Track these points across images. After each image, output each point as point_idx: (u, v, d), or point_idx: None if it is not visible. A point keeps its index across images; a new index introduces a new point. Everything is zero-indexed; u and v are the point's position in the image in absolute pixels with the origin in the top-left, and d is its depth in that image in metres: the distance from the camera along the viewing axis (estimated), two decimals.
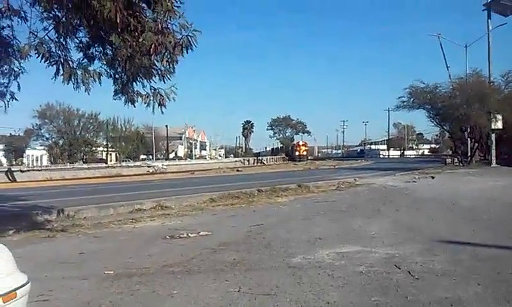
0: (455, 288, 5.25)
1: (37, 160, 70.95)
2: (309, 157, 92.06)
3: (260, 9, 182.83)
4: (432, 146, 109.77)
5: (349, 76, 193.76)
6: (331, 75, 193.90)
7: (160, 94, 8.05)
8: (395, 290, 5.24)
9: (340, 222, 10.48)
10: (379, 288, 5.31)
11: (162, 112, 8.17)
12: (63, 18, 7.48)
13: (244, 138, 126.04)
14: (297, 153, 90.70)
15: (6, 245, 3.66)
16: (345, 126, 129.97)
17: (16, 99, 8.61)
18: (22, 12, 7.93)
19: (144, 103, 8.15)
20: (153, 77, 8.09)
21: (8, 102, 8.56)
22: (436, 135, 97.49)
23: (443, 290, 5.18)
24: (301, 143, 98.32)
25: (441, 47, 43.21)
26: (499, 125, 36.48)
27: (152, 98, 8.07)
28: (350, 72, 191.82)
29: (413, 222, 10.21)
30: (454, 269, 6.05)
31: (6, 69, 8.50)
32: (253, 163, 71.49)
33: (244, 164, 66.90)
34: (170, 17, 7.31)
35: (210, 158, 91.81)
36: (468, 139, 40.50)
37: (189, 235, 9.36)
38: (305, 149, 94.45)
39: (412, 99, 40.31)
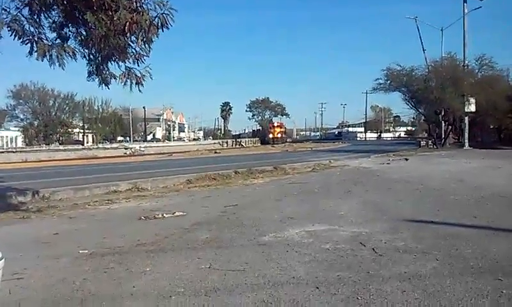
0: (414, 263, 5.55)
1: (11, 142, 69.69)
2: (287, 140, 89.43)
3: None
4: (409, 128, 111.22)
5: (328, 58, 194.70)
6: (311, 57, 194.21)
7: (136, 74, 8.10)
8: (358, 265, 5.51)
9: (311, 203, 10.75)
10: (343, 264, 5.58)
11: (140, 91, 8.20)
12: None
13: (223, 120, 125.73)
14: (270, 136, 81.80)
15: None
16: (323, 109, 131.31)
17: None
18: None
19: (121, 82, 8.18)
20: (129, 58, 8.14)
21: None
22: (413, 118, 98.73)
23: (403, 265, 5.47)
24: (275, 124, 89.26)
25: (418, 30, 43.86)
26: (472, 108, 37.28)
27: (128, 77, 8.12)
28: (329, 55, 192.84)
29: (382, 203, 10.54)
30: (415, 246, 6.35)
31: None
32: (232, 145, 71.28)
33: (222, 146, 66.91)
34: None
35: (189, 140, 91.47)
36: (442, 121, 41.31)
37: (164, 215, 9.52)
38: (280, 131, 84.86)
39: (388, 81, 40.95)
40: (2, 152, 39.47)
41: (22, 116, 70.45)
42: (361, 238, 6.90)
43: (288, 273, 5.28)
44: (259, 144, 77.26)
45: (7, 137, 72.31)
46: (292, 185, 14.50)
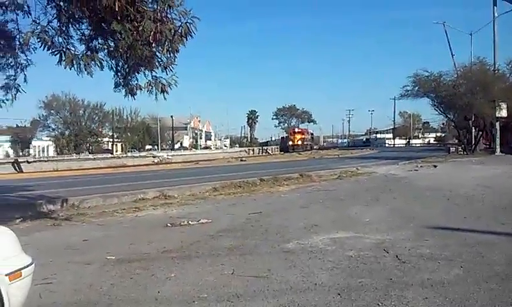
0: (438, 270, 5.52)
1: (43, 151, 71.58)
2: (314, 147, 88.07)
3: None
4: (438, 134, 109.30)
5: (355, 65, 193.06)
6: (337, 64, 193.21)
7: (162, 83, 8.27)
8: (381, 272, 5.51)
9: (337, 210, 10.74)
10: (365, 271, 5.59)
11: (165, 99, 8.37)
12: (65, 7, 7.71)
13: (249, 128, 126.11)
14: (290, 143, 75.76)
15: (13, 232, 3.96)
16: (351, 115, 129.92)
17: (23, 91, 8.80)
18: (25, 6, 8.19)
19: (147, 91, 8.36)
20: (156, 68, 8.31)
21: (15, 94, 8.77)
22: (442, 124, 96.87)
23: (426, 272, 5.45)
24: (296, 130, 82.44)
25: (447, 35, 43.14)
26: (503, 113, 36.48)
27: (153, 86, 8.29)
28: (356, 61, 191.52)
29: (409, 210, 10.45)
30: (440, 253, 6.31)
31: (11, 62, 8.76)
32: (258, 153, 70.95)
33: (248, 153, 66.68)
34: (170, 6, 7.53)
35: (215, 148, 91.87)
36: (473, 127, 40.48)
37: (190, 222, 9.65)
38: (301, 138, 77.99)
39: (416, 87, 40.34)
40: (35, 161, 40.32)
41: (53, 126, 72.33)
42: (385, 246, 6.88)
43: (311, 279, 5.32)
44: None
45: (39, 146, 74.30)
46: (317, 193, 14.48)
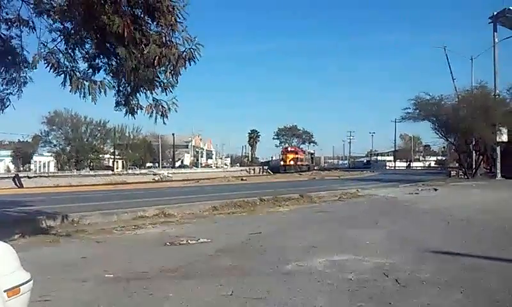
0: (438, 295, 5.49)
1: (44, 167, 71.52)
2: (314, 167, 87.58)
3: (266, 19, 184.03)
4: (439, 158, 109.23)
5: (356, 87, 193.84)
6: (338, 85, 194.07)
7: (162, 106, 8.32)
8: (381, 296, 5.48)
9: (336, 232, 10.71)
10: (364, 294, 5.55)
11: (165, 123, 8.42)
12: (72, 31, 7.82)
13: (250, 147, 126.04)
14: (282, 163, 71.92)
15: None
16: (351, 137, 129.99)
17: (12, 107, 8.81)
18: (31, 22, 8.31)
19: (147, 113, 8.41)
20: (156, 89, 8.37)
21: (2, 109, 8.78)
22: (443, 147, 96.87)
23: (426, 296, 5.42)
24: (289, 149, 77.68)
25: (447, 59, 43.43)
26: (504, 138, 36.56)
27: (154, 109, 8.34)
28: (357, 83, 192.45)
29: (408, 233, 10.42)
30: (439, 278, 6.28)
31: (12, 78, 8.82)
32: (259, 172, 70.82)
33: (249, 173, 66.65)
34: (173, 31, 7.62)
35: (216, 167, 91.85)
36: (473, 151, 40.51)
37: (189, 241, 9.63)
38: (294, 158, 72.91)
39: (417, 111, 40.48)
40: (36, 177, 40.36)
41: (55, 142, 72.49)
42: (384, 269, 6.85)
43: (310, 302, 5.29)
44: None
45: (40, 162, 74.31)
46: (317, 214, 14.45)
